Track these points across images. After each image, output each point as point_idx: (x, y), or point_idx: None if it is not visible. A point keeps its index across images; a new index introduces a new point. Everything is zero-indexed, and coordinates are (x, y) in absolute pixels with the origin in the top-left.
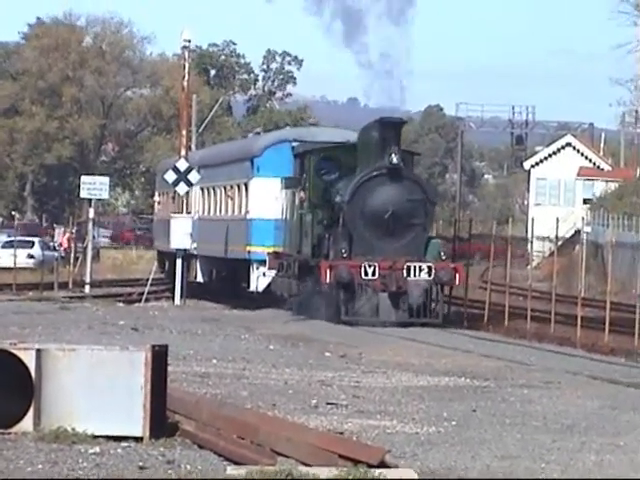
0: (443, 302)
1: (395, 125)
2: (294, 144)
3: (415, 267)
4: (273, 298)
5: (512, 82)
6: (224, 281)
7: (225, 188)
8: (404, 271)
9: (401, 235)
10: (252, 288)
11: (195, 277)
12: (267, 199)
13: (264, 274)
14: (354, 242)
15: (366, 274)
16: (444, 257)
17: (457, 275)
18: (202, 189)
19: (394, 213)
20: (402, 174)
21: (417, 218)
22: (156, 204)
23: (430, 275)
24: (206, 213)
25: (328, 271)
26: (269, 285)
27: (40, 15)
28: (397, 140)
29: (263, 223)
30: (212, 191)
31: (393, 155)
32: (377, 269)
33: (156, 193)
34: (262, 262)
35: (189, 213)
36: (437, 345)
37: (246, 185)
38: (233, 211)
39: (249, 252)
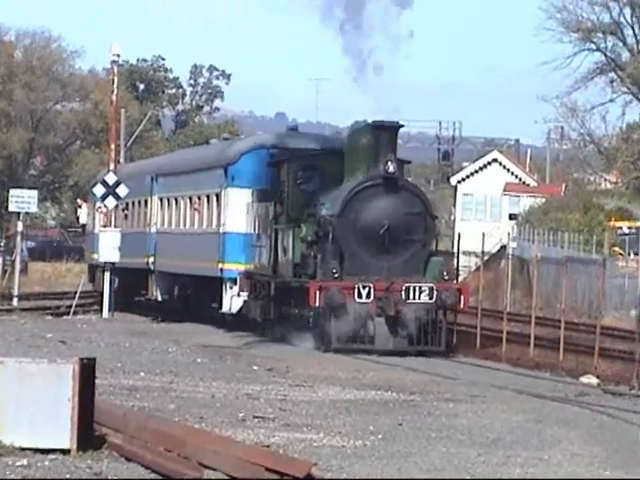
0: (446, 328)
1: (390, 129)
2: (272, 151)
3: (415, 288)
4: (248, 321)
5: (439, 98)
6: (189, 300)
7: (191, 199)
8: (402, 293)
9: (398, 252)
10: (225, 309)
11: (153, 295)
12: (242, 211)
13: (239, 294)
14: (345, 260)
15: (360, 296)
16: (447, 277)
17: (462, 297)
18: (161, 199)
19: (390, 228)
20: (399, 184)
21: (416, 233)
22: (97, 215)
23: (432, 297)
24: (167, 226)
25: (317, 293)
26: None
27: None
28: (393, 146)
29: (238, 238)
30: (174, 202)
31: (389, 163)
32: (372, 291)
33: (96, 204)
34: (235, 281)
35: (149, 225)
36: (363, 359)
37: (217, 195)
38: (202, 224)
39: (222, 269)
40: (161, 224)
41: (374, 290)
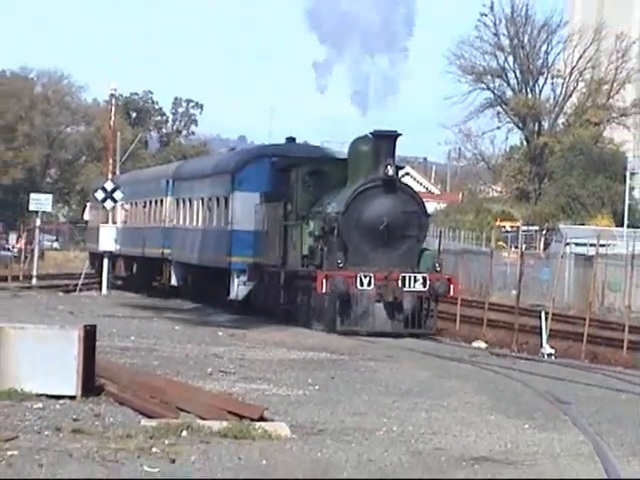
0: (437, 313)
1: (390, 137)
2: (273, 159)
3: (410, 278)
4: (252, 306)
5: (365, 126)
6: (201, 286)
7: (203, 200)
8: (399, 282)
9: (395, 246)
10: (232, 296)
11: (169, 280)
12: (247, 212)
13: (245, 283)
14: (349, 252)
15: (362, 284)
16: (438, 268)
17: (452, 286)
18: (177, 200)
19: (389, 224)
20: (397, 186)
21: (411, 230)
22: (121, 212)
23: (425, 286)
24: (181, 222)
25: (324, 281)
26: (248, 294)
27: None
28: (392, 152)
29: (244, 234)
30: (188, 202)
31: (388, 167)
32: (373, 279)
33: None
34: (242, 271)
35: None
36: (306, 328)
37: (226, 199)
38: (213, 222)
39: (230, 262)
40: (177, 221)
41: (374, 279)
